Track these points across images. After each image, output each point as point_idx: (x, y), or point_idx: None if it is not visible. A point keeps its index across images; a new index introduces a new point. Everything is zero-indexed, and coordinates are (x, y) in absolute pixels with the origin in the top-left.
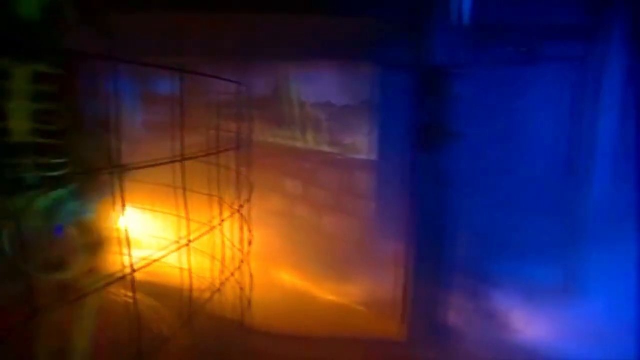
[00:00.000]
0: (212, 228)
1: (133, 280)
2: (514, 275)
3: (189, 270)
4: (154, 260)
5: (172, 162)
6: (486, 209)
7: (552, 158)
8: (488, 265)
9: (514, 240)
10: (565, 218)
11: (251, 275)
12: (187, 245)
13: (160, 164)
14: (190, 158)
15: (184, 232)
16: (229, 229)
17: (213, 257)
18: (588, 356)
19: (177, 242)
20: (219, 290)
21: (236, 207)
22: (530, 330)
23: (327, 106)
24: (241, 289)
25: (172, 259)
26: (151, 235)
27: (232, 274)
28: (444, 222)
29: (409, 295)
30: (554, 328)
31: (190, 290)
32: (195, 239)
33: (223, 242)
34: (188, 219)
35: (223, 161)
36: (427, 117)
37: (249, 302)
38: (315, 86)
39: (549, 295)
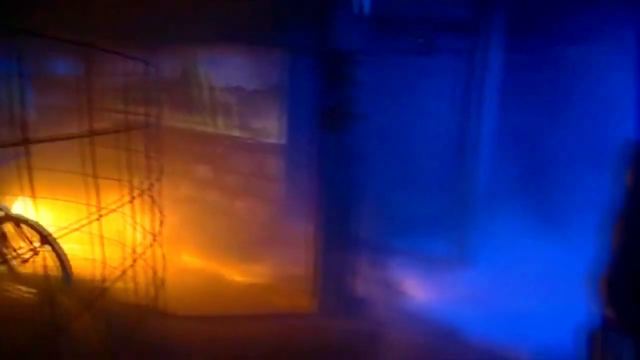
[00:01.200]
0: (122, 205)
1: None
2: (411, 247)
3: (102, 254)
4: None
5: (81, 137)
6: (387, 186)
7: (444, 140)
8: (389, 239)
9: (411, 215)
10: (457, 195)
11: (164, 257)
12: (98, 219)
13: (68, 138)
14: (99, 133)
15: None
16: (140, 214)
17: (123, 244)
18: (475, 316)
19: (85, 223)
20: (128, 269)
21: (145, 188)
22: (426, 296)
23: (237, 91)
24: (154, 272)
25: (81, 251)
26: (55, 224)
27: (143, 254)
28: (348, 200)
29: (319, 270)
30: (446, 293)
31: (99, 275)
32: (104, 215)
33: (134, 223)
34: (98, 196)
35: (132, 146)
36: (332, 100)
37: (162, 283)
38: (225, 71)
39: (442, 265)
